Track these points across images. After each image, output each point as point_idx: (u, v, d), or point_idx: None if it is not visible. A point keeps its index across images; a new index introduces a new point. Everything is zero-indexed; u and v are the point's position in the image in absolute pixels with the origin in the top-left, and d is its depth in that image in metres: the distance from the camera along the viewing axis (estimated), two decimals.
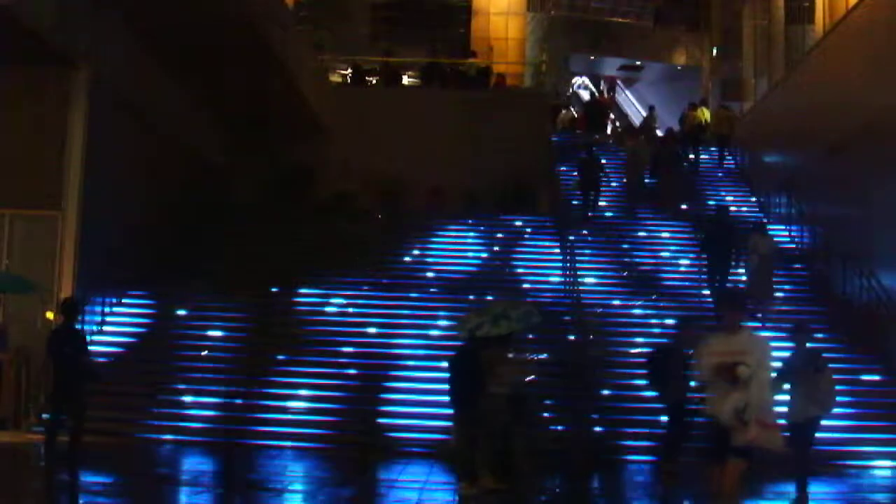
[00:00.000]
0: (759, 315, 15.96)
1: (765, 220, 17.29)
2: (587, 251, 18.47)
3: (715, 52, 29.76)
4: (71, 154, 14.43)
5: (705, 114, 24.37)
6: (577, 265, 17.01)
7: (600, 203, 20.57)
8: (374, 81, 25.08)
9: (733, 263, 16.34)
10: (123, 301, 16.31)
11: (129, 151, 15.96)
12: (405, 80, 26.23)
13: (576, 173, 20.91)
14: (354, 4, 28.78)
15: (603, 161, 20.91)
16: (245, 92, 18.59)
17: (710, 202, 20.65)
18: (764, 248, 16.22)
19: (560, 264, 17.93)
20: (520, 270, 18.21)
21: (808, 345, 10.02)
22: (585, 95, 34.69)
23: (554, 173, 21.86)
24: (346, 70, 26.01)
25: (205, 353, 14.97)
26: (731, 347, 6.74)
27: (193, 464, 12.29)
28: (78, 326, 11.55)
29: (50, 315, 14.28)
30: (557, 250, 18.57)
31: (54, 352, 10.98)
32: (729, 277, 16.37)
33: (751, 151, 22.78)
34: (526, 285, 17.42)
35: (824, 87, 18.47)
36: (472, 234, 19.83)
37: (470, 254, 18.91)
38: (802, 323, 11.52)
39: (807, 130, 19.10)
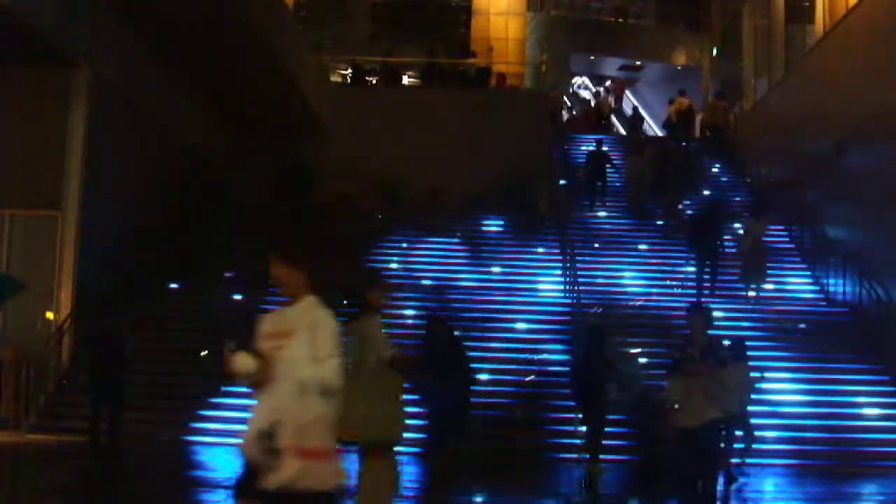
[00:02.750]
0: (753, 297, 16.38)
1: (757, 206, 17.81)
2: (587, 252, 18.47)
3: (715, 52, 29.73)
4: (71, 154, 14.45)
5: (685, 104, 25.09)
6: (578, 266, 17.00)
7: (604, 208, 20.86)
8: (374, 81, 25.07)
9: (721, 251, 16.59)
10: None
11: (129, 151, 15.97)
12: (405, 80, 26.21)
13: (584, 164, 21.36)
14: (354, 4, 28.76)
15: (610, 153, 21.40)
16: (245, 92, 18.59)
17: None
18: (757, 232, 16.52)
19: (560, 265, 17.92)
20: (518, 272, 18.19)
21: (708, 331, 7.88)
22: (587, 96, 34.66)
23: (554, 174, 21.87)
24: (346, 70, 25.99)
25: (204, 352, 14.93)
26: (278, 327, 4.29)
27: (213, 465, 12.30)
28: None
29: (50, 315, 14.29)
30: (557, 251, 18.56)
31: (92, 350, 11.09)
32: (718, 266, 16.60)
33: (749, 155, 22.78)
34: (524, 286, 17.43)
35: (824, 87, 18.47)
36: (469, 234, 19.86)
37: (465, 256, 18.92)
38: (699, 304, 9.60)
39: (806, 130, 19.09)
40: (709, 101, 26.31)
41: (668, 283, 17.57)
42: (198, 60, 16.56)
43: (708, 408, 7.37)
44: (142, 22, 14.95)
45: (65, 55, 13.88)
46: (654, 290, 16.96)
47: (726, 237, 16.83)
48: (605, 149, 21.24)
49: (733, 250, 16.81)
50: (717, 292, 16.54)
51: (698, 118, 25.24)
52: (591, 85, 35.01)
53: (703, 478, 7.64)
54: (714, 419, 7.45)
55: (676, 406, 7.67)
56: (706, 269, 16.52)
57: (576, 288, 16.25)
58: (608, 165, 20.85)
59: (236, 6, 14.72)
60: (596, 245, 18.68)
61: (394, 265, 18.06)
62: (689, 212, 19.24)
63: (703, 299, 16.36)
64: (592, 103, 29.70)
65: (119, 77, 15.34)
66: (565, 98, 31.92)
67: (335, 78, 25.70)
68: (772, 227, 18.13)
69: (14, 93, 14.31)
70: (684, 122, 24.52)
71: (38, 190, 14.39)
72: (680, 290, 17.24)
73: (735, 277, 16.86)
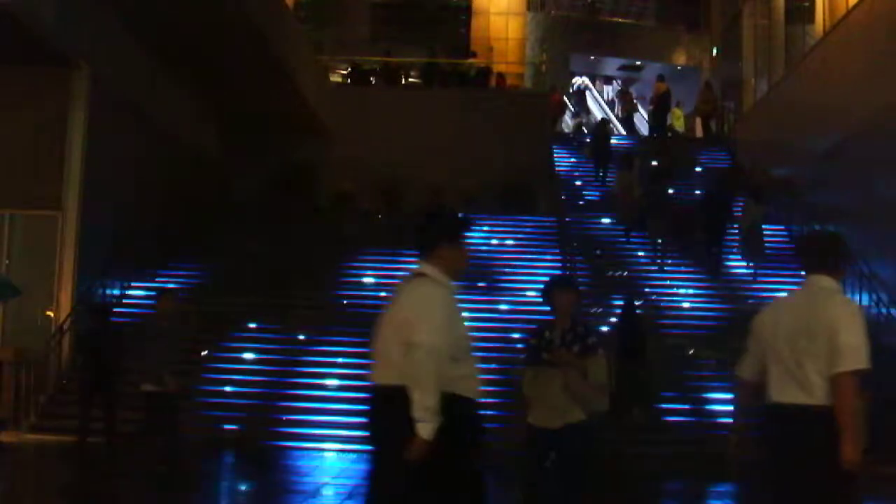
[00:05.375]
0: (752, 274, 17.51)
1: (756, 191, 18.58)
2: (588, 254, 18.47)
3: (715, 52, 29.75)
4: (71, 154, 14.45)
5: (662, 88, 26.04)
6: (578, 266, 16.99)
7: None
8: (374, 81, 25.08)
9: (725, 232, 17.71)
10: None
11: (130, 151, 15.97)
12: (405, 80, 26.23)
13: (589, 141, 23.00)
14: (354, 4, 28.77)
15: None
16: (245, 92, 18.60)
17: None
18: (756, 213, 17.48)
19: (560, 265, 17.91)
20: (518, 272, 18.18)
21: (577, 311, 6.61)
22: (589, 99, 34.68)
23: (554, 173, 21.91)
24: (346, 70, 26.01)
25: (204, 353, 14.95)
26: None
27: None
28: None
29: (50, 314, 14.30)
30: (557, 250, 18.55)
31: (86, 351, 11.12)
32: (723, 242, 17.70)
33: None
34: (524, 287, 17.41)
35: (824, 87, 18.47)
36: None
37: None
38: (564, 278, 7.57)
39: (806, 130, 19.10)
40: (700, 90, 26.56)
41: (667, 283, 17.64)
42: (198, 61, 16.57)
43: (570, 407, 5.86)
44: (142, 22, 14.95)
45: (65, 55, 13.88)
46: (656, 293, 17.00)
47: (730, 217, 17.73)
48: (608, 130, 23.29)
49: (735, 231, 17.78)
50: (720, 271, 17.55)
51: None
52: (591, 86, 34.97)
53: (564, 491, 5.95)
54: (578, 422, 5.89)
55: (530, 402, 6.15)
56: (712, 249, 17.54)
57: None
58: (611, 147, 22.24)
59: (236, 6, 14.72)
60: (598, 252, 18.69)
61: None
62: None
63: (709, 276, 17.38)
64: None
65: (119, 77, 15.34)
66: (565, 98, 31.94)
67: (335, 78, 25.71)
68: (773, 227, 18.49)
69: (14, 93, 14.32)
70: (662, 107, 25.64)
71: (38, 190, 14.39)
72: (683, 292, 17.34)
73: (738, 257, 17.93)
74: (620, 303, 14.68)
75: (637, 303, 14.79)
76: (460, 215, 4.87)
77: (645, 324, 14.31)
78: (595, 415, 5.99)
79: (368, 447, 4.50)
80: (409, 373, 4.23)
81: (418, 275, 4.50)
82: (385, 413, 4.37)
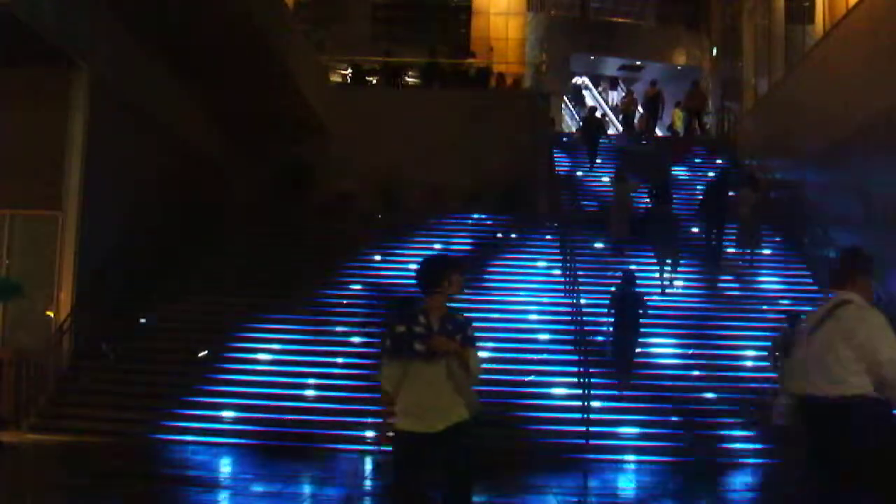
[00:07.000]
0: (748, 261, 17.99)
1: (754, 175, 19.27)
2: (588, 252, 18.46)
3: (715, 52, 29.75)
4: (71, 154, 14.45)
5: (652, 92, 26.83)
6: (578, 267, 16.97)
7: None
8: (374, 81, 25.08)
9: (726, 219, 18.02)
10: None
11: (130, 151, 15.97)
12: (405, 80, 26.23)
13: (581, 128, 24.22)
14: (354, 4, 28.77)
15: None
16: (245, 92, 18.60)
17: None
18: (752, 201, 17.89)
19: (560, 265, 17.91)
20: (518, 272, 18.18)
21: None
22: (587, 96, 34.70)
23: (553, 173, 21.91)
24: (346, 70, 26.02)
25: (203, 353, 14.94)
26: None
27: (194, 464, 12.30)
28: None
29: (50, 314, 14.31)
30: (557, 250, 18.55)
31: None
32: (724, 231, 18.02)
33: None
34: (523, 287, 17.41)
35: (824, 87, 18.47)
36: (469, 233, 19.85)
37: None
38: (449, 257, 5.98)
39: (806, 130, 19.10)
40: (688, 88, 26.73)
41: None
42: (198, 60, 16.56)
43: (452, 405, 5.16)
44: (142, 22, 14.96)
45: (65, 55, 13.88)
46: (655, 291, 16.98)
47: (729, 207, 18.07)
48: (598, 115, 24.50)
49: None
50: (720, 260, 17.96)
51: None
52: (591, 86, 34.97)
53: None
54: (463, 421, 5.19)
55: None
56: (713, 234, 17.91)
57: (576, 287, 16.24)
58: (601, 132, 23.82)
59: (237, 6, 14.73)
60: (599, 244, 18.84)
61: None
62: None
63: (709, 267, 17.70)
64: None
65: (119, 77, 15.35)
66: (565, 98, 31.96)
67: (335, 78, 25.72)
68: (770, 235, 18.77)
69: (14, 93, 14.32)
70: (651, 108, 26.42)
71: (38, 190, 14.39)
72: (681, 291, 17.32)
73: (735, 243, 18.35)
74: (619, 275, 14.99)
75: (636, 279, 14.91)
76: (867, 252, 6.08)
77: (642, 298, 14.50)
78: (478, 413, 5.25)
79: (813, 450, 5.47)
80: (889, 383, 5.21)
81: (845, 301, 5.54)
82: (840, 422, 5.23)
